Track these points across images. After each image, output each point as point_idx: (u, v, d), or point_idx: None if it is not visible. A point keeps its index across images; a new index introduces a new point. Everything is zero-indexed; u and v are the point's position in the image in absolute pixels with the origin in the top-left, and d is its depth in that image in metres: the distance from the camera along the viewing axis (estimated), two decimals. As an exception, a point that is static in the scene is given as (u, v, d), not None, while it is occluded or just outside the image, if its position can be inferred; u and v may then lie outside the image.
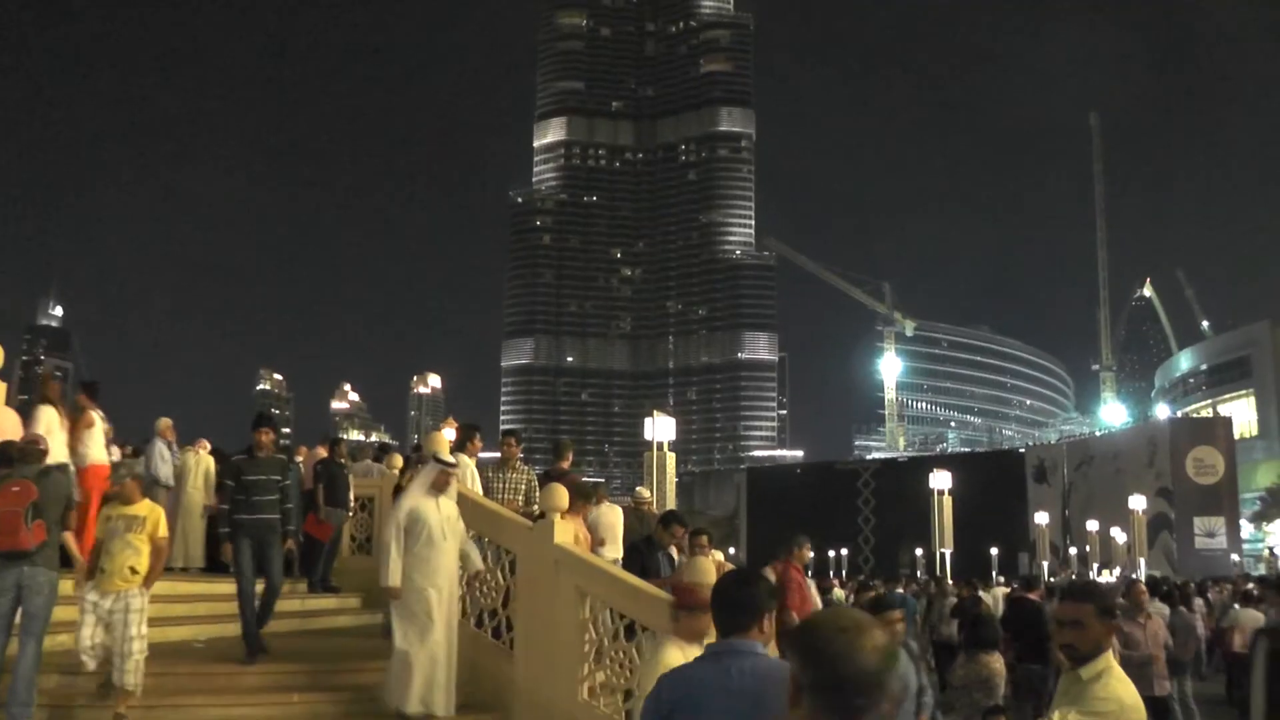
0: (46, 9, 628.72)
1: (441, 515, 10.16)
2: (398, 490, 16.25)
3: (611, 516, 14.02)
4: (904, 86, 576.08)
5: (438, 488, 10.32)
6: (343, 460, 17.56)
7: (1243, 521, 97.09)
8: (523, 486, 13.50)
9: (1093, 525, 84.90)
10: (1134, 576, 54.24)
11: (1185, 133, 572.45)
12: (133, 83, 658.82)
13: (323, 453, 18.01)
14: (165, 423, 17.94)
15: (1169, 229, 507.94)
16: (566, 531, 10.64)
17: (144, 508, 10.20)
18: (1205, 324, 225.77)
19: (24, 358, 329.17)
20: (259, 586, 11.66)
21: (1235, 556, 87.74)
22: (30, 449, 10.25)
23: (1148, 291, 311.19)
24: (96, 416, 14.19)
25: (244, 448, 12.41)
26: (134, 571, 9.81)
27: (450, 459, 10.64)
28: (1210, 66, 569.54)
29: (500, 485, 13.38)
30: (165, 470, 17.40)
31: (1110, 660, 4.86)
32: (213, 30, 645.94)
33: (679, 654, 5.55)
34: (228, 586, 12.05)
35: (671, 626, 6.26)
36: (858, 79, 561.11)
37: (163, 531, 10.17)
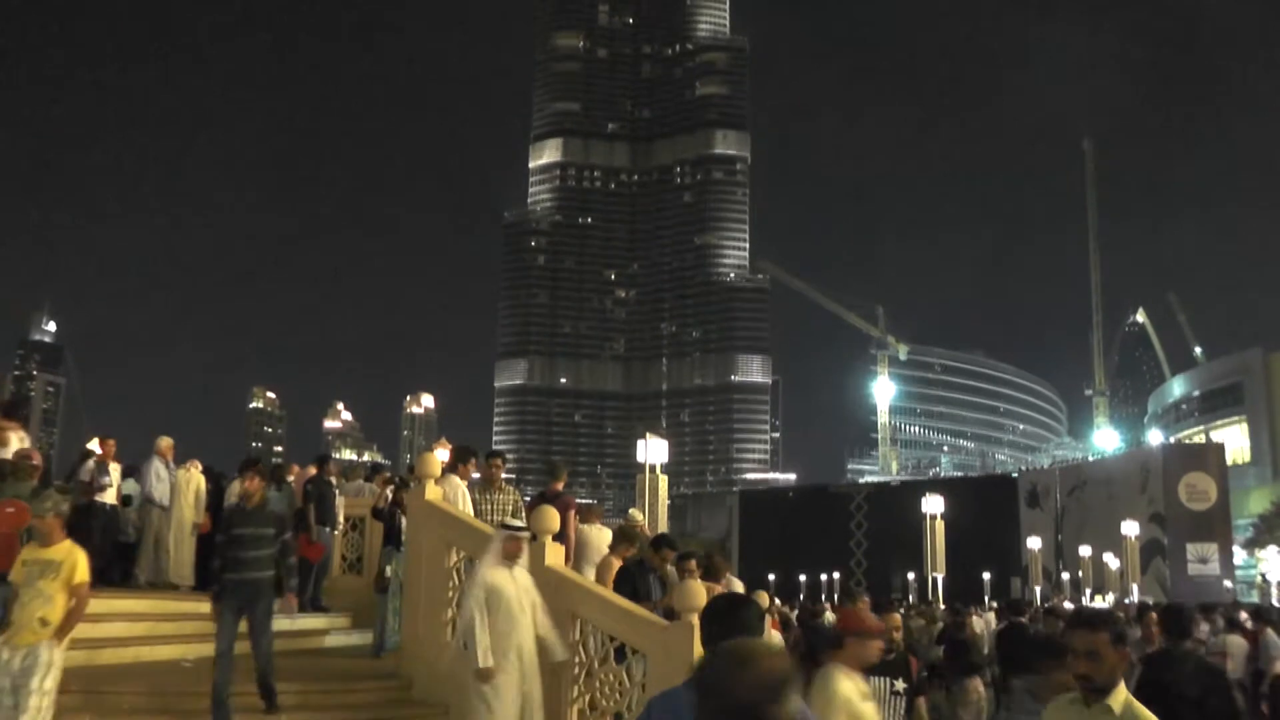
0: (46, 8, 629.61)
1: (518, 586, 9.58)
2: (376, 512, 16.26)
3: (600, 538, 13.99)
4: (898, 111, 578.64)
5: (510, 557, 9.73)
6: (331, 479, 17.50)
7: (1235, 548, 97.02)
8: (509, 507, 13.45)
9: (1085, 550, 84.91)
10: (1128, 601, 54.23)
11: (1178, 159, 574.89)
12: (120, 99, 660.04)
13: (314, 472, 17.98)
14: (166, 442, 17.78)
15: (1162, 254, 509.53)
16: (557, 554, 10.64)
17: (62, 550, 9.08)
18: (1198, 350, 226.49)
19: (16, 373, 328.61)
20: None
21: (1228, 583, 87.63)
22: (23, 465, 10.22)
23: (1140, 317, 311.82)
24: (14, 436, 13.79)
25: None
26: (44, 623, 8.81)
27: (518, 522, 10.05)
28: (1205, 94, 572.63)
29: (488, 506, 13.33)
30: (161, 490, 17.31)
31: (1126, 690, 4.81)
32: (203, 48, 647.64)
33: (849, 684, 5.53)
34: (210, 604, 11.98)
35: (837, 654, 5.96)
36: (853, 103, 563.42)
37: (80, 577, 9.07)
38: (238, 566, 10.45)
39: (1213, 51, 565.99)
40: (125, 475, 17.51)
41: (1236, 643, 12.72)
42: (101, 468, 16.57)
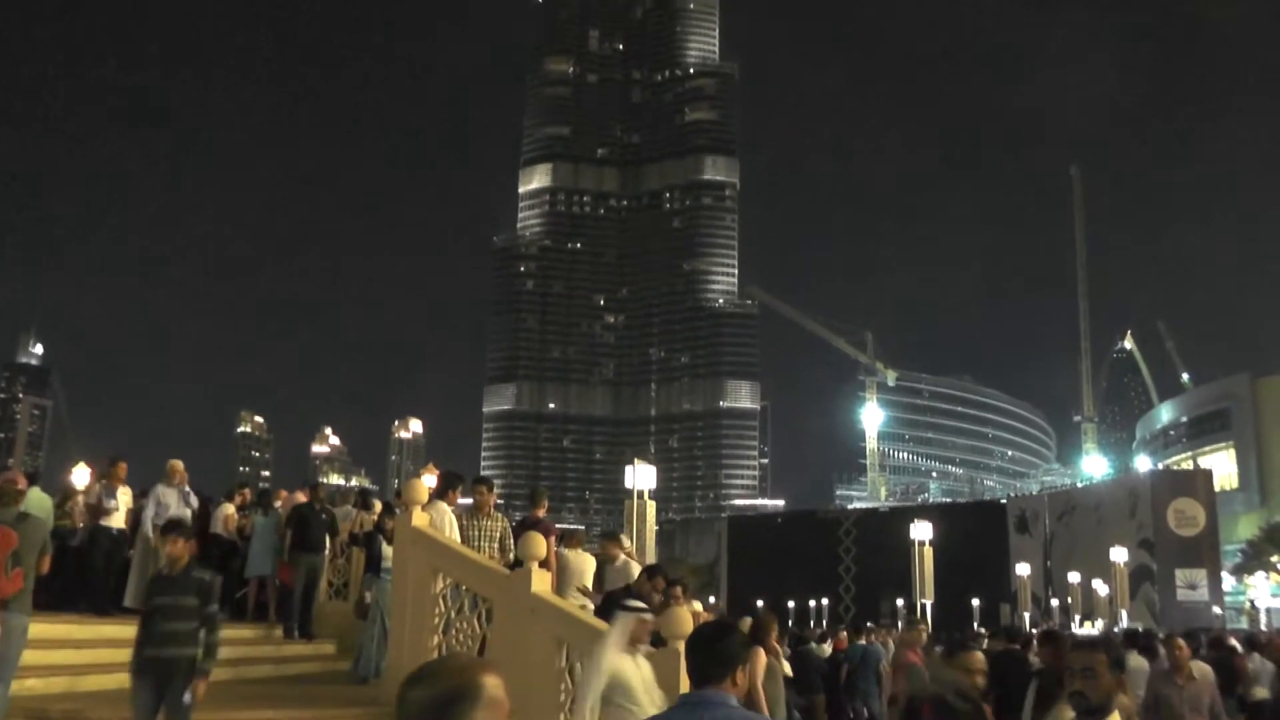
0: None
1: (643, 675, 8.25)
2: (369, 539, 16.12)
3: (582, 564, 13.95)
4: (888, 137, 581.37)
5: (636, 641, 8.45)
6: (318, 505, 17.35)
7: (1224, 574, 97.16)
8: (497, 534, 13.40)
9: (1074, 576, 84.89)
10: (1119, 628, 54.20)
11: (1166, 186, 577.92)
12: (110, 107, 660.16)
13: (302, 498, 17.86)
14: (176, 465, 17.18)
15: (1150, 280, 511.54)
16: (543, 580, 10.60)
17: None
18: (1186, 376, 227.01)
19: (2, 395, 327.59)
20: None
21: (1217, 609, 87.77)
22: (8, 490, 10.11)
23: (1129, 344, 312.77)
24: None
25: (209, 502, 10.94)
26: None
27: (642, 604, 8.91)
28: (1194, 120, 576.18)
29: (476, 533, 13.28)
30: (166, 516, 16.99)
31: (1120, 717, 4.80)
32: (196, 69, 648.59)
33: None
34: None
35: None
36: (841, 129, 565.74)
37: None
38: (155, 641, 9.17)
39: (1205, 80, 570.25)
40: (141, 498, 17.24)
41: (1199, 667, 12.61)
42: (109, 491, 16.41)
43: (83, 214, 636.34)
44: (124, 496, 16.58)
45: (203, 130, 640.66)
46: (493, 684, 2.84)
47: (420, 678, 2.86)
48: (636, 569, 13.91)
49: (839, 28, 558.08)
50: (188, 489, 17.28)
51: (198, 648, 9.22)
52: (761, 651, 11.42)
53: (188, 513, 16.94)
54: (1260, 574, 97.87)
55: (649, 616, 8.69)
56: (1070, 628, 72.03)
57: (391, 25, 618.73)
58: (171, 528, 9.87)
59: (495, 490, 14.31)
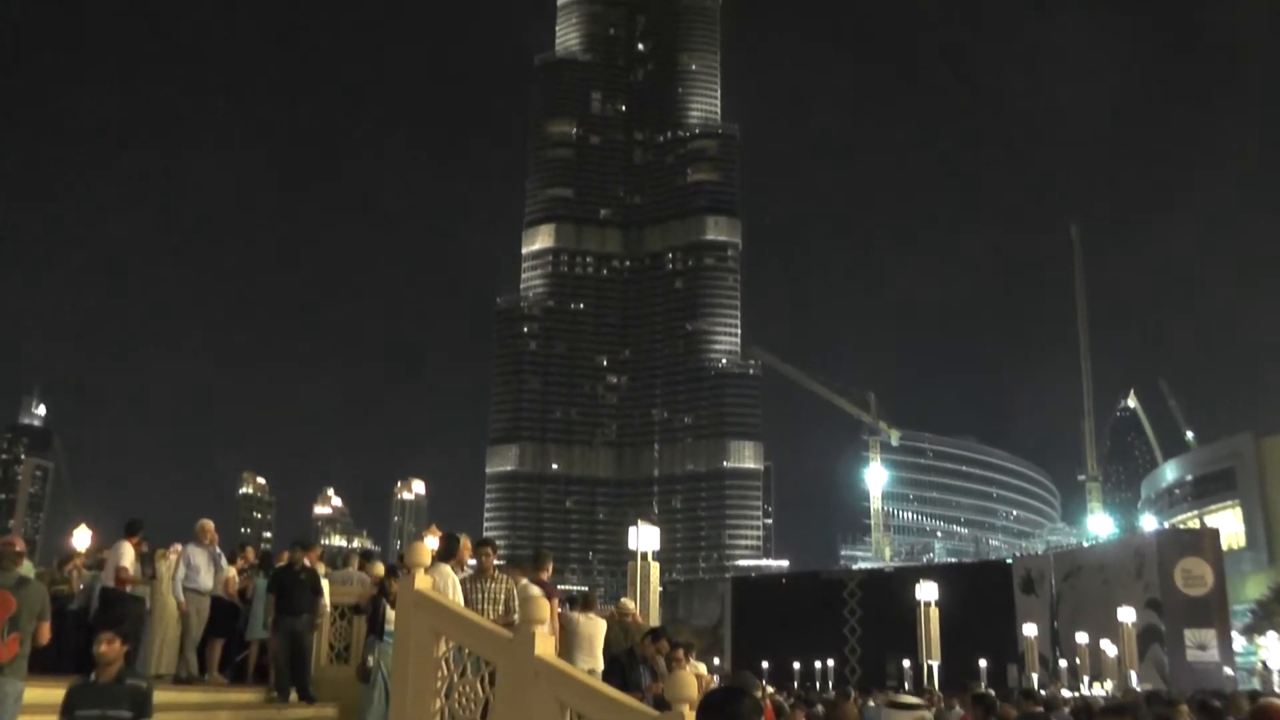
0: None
1: None
2: (372, 602, 15.94)
3: (591, 628, 13.82)
4: (888, 197, 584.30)
5: None
6: (296, 566, 16.91)
7: (1234, 634, 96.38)
8: (501, 596, 13.29)
9: (1082, 637, 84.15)
10: (1133, 688, 53.66)
11: (1167, 242, 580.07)
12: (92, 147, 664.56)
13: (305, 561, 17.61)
14: (207, 525, 16.99)
15: (1152, 339, 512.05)
16: (548, 644, 10.47)
17: None
18: (1190, 435, 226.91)
19: (3, 457, 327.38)
20: None
21: (1228, 670, 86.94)
22: (7, 553, 10.03)
23: (1132, 402, 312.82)
24: None
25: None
26: None
27: (911, 699, 8.25)
28: (1191, 176, 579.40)
29: (479, 596, 13.17)
30: (205, 580, 16.78)
31: None
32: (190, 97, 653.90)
33: None
34: (196, 695, 11.80)
35: None
36: (843, 188, 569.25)
37: None
38: None
39: (1200, 132, 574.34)
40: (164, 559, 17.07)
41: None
42: (145, 559, 16.28)
43: (82, 276, 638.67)
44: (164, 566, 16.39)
45: (203, 190, 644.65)
46: None
47: None
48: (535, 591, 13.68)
49: (839, 87, 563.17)
50: (218, 550, 17.06)
51: None
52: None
53: (221, 575, 16.74)
54: (1271, 634, 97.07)
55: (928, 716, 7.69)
56: (1080, 689, 71.38)
57: (391, 82, 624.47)
58: (111, 621, 9.07)
59: (498, 551, 14.21)
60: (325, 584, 17.31)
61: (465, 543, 13.95)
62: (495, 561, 14.17)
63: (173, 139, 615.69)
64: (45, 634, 9.99)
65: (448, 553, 13.65)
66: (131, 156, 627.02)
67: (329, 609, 17.64)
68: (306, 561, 16.81)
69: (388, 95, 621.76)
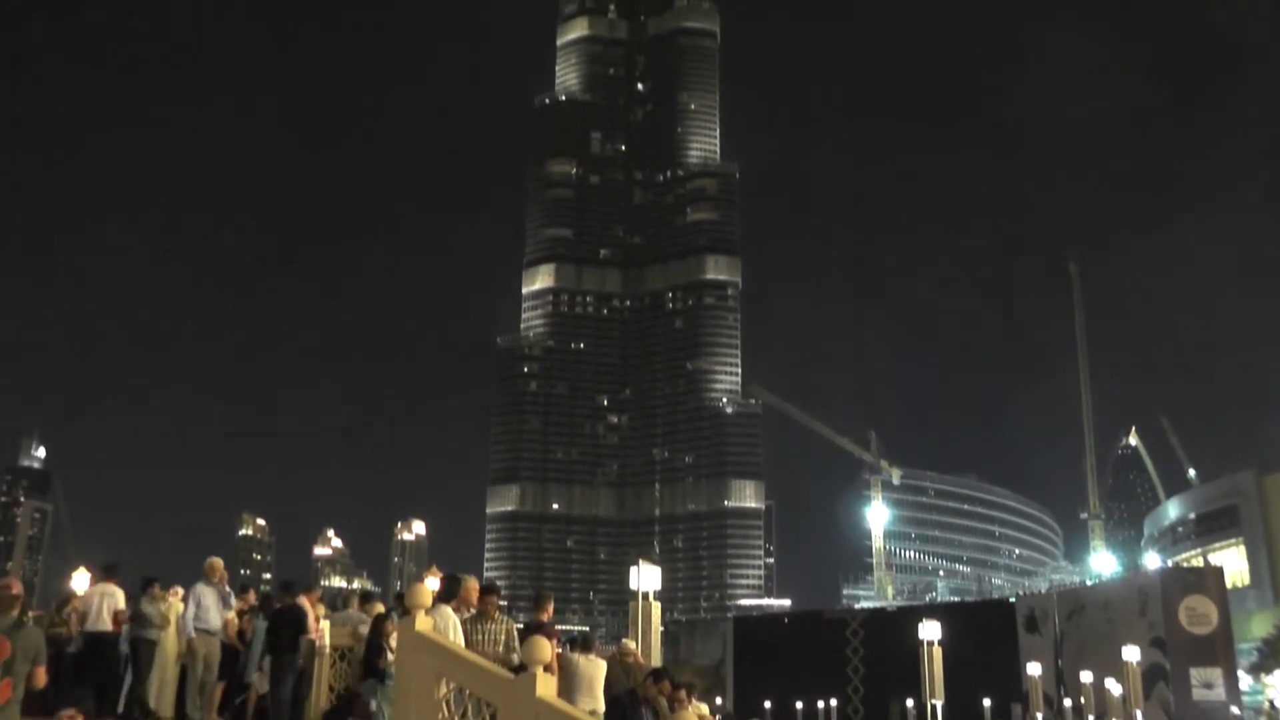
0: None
1: None
2: (368, 645, 15.77)
3: (591, 669, 13.71)
4: (886, 235, 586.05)
5: None
6: (279, 604, 16.72)
7: (1240, 672, 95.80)
8: (502, 637, 13.20)
9: (1087, 676, 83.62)
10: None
11: (1166, 280, 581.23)
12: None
13: (307, 605, 17.28)
14: (216, 564, 16.91)
15: (1154, 376, 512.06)
16: (549, 685, 10.38)
17: None
18: (1192, 472, 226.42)
19: (3, 499, 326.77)
20: None
21: (1235, 709, 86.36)
22: (3, 596, 9.93)
23: (1134, 440, 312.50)
24: None
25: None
26: None
27: None
28: (1191, 216, 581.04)
29: (480, 637, 13.09)
30: (215, 620, 16.67)
31: None
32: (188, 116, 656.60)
33: None
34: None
35: None
36: (842, 226, 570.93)
37: None
38: None
39: (1196, 170, 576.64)
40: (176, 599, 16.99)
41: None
42: (133, 600, 16.23)
43: (81, 320, 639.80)
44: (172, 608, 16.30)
45: (209, 240, 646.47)
46: None
47: None
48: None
49: (838, 124, 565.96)
50: (228, 589, 16.94)
51: None
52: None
53: (231, 614, 16.62)
54: (1278, 672, 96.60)
55: None
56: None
57: (391, 120, 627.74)
58: (72, 699, 8.56)
59: (501, 596, 14.13)
60: (325, 624, 17.17)
61: (472, 584, 13.87)
62: (498, 605, 14.09)
63: (171, 204, 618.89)
64: (41, 678, 9.88)
65: (448, 593, 13.56)
66: (132, 198, 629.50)
67: (327, 649, 17.48)
68: (305, 602, 16.67)
69: (388, 134, 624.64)
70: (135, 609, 16.54)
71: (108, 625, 16.32)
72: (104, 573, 17.12)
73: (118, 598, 16.46)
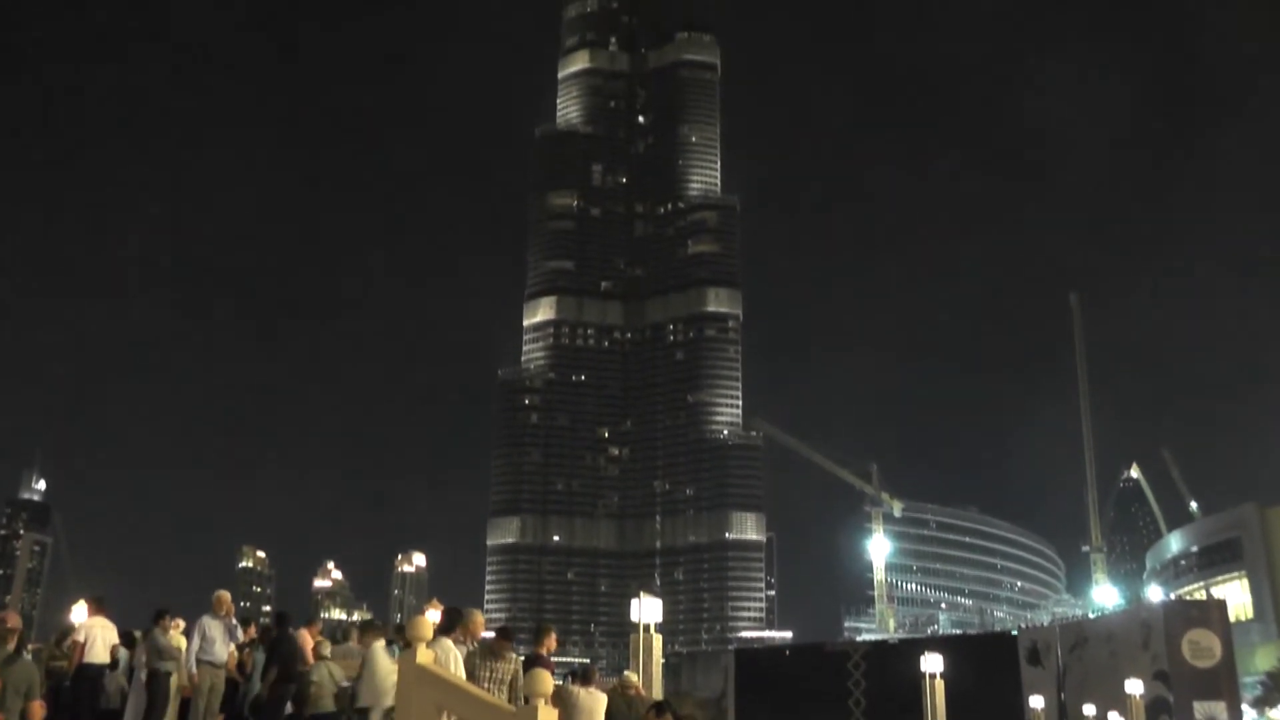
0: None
1: None
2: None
3: (591, 702, 13.68)
4: (889, 268, 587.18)
5: None
6: (276, 637, 16.68)
7: (1244, 706, 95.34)
8: (508, 677, 13.17)
9: (1090, 709, 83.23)
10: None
11: (1167, 310, 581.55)
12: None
13: (308, 638, 17.22)
14: (223, 596, 16.90)
15: (1155, 409, 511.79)
16: (550, 716, 10.37)
17: None
18: (1194, 505, 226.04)
19: (2, 532, 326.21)
20: None
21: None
22: (0, 629, 9.91)
23: (1135, 473, 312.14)
24: None
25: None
26: None
27: None
28: (1190, 245, 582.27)
29: (486, 673, 13.06)
30: (220, 652, 16.63)
31: None
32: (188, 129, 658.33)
33: None
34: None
35: None
36: (843, 259, 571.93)
37: None
38: None
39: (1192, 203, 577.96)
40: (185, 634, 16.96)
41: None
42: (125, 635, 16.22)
43: (81, 350, 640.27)
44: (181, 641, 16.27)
45: (211, 269, 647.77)
46: None
47: None
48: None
49: (838, 155, 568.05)
50: (234, 622, 16.89)
51: None
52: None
53: (232, 647, 16.58)
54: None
55: None
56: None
57: (390, 153, 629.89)
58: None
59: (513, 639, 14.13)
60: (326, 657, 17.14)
61: (478, 618, 13.86)
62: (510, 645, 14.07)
63: (175, 236, 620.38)
64: (36, 712, 9.84)
65: (449, 626, 13.54)
66: (138, 216, 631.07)
67: (327, 677, 17.40)
68: (306, 635, 16.68)
69: (387, 166, 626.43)
70: (152, 642, 16.49)
71: (103, 658, 16.27)
72: (93, 605, 17.07)
73: (112, 631, 16.43)
